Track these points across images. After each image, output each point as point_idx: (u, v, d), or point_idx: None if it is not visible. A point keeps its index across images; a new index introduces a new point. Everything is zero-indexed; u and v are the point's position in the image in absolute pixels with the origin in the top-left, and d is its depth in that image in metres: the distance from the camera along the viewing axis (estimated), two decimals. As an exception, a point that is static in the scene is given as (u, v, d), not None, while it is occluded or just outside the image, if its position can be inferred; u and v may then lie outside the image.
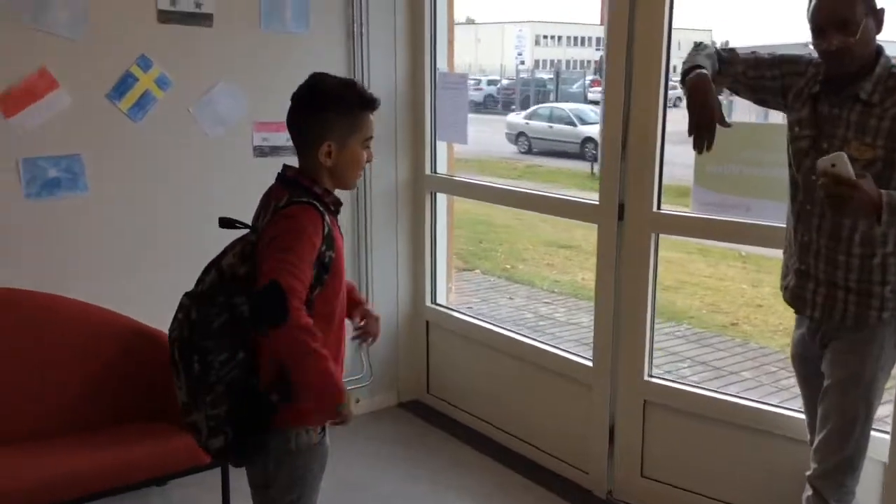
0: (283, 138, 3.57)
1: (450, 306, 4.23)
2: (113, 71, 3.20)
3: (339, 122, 1.96)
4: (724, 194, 2.91)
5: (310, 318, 1.83)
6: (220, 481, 2.94)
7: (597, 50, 23.11)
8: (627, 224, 3.09)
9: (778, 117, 2.54)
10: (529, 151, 14.60)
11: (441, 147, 4.13)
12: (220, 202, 3.43)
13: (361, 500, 3.26)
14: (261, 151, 3.60)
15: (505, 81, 26.60)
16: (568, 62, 25.58)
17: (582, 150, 13.29)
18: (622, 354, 3.17)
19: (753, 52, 2.42)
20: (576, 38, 26.77)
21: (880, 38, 2.15)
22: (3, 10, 2.94)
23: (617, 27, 3.02)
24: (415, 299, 4.19)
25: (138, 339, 3.06)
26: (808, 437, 2.46)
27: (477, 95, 25.99)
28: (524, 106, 23.69)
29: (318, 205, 1.93)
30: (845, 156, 1.93)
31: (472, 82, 26.29)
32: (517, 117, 16.02)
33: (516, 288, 7.89)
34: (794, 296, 2.36)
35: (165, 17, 3.30)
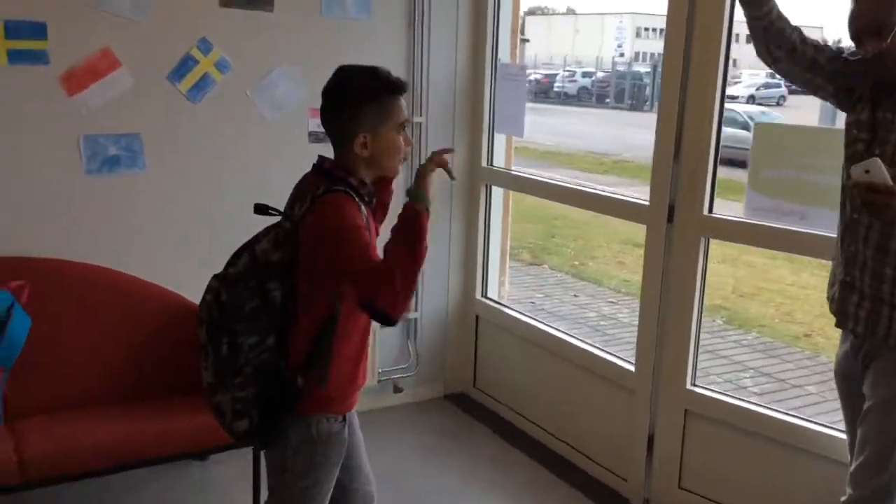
0: (339, 125, 3.66)
1: (500, 301, 4.19)
2: (174, 53, 3.28)
3: (369, 112, 1.96)
4: (778, 200, 2.78)
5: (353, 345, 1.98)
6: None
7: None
8: (677, 226, 3.00)
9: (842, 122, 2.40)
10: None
11: (500, 140, 4.09)
12: (274, 185, 3.46)
13: (389, 489, 3.25)
14: (316, 137, 3.62)
15: (600, 74, 26.18)
16: (670, 55, 25.06)
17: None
18: (665, 361, 3.08)
19: (837, 45, 2.29)
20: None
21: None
22: (69, -8, 3.05)
23: (675, 19, 2.92)
24: (465, 292, 4.17)
25: (185, 315, 3.11)
26: (849, 459, 2.34)
27: (571, 87, 25.75)
28: (618, 99, 23.27)
29: (353, 194, 1.95)
30: (879, 161, 1.83)
31: (566, 74, 26.13)
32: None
33: (583, 285, 7.77)
34: (837, 308, 2.23)
35: (227, 0, 3.36)
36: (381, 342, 3.86)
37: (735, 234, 2.94)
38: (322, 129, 3.50)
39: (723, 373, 5.28)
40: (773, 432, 2.80)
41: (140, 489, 3.13)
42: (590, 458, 3.47)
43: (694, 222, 2.95)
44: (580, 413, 3.52)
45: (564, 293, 7.45)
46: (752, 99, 17.44)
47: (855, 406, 2.26)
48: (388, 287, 1.81)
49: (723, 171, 2.93)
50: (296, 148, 3.57)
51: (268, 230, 2.00)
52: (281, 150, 3.54)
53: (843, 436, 2.54)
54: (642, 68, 25.37)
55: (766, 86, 17.49)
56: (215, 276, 1.99)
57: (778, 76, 2.38)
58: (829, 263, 2.31)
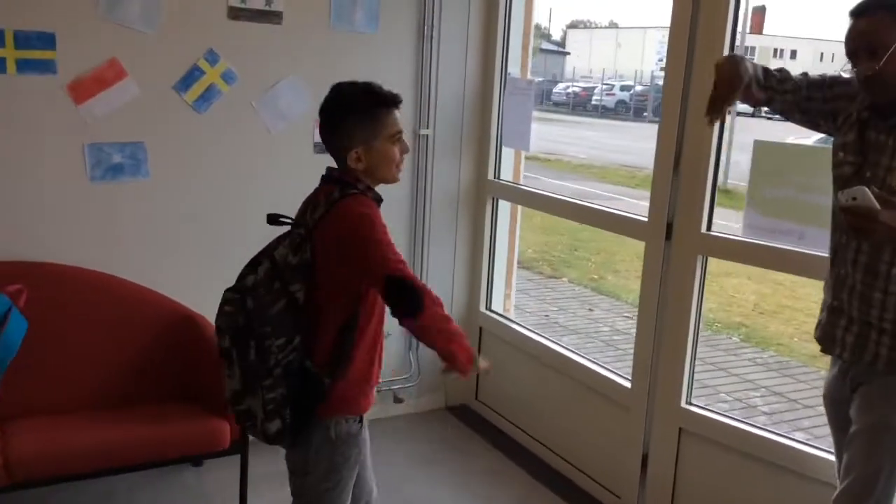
0: (344, 136, 3.68)
1: (505, 314, 4.18)
2: (181, 64, 3.33)
3: (361, 127, 2.04)
4: (777, 219, 2.75)
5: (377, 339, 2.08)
6: (257, 466, 3.01)
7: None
8: (675, 244, 2.97)
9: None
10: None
11: (508, 153, 4.09)
12: (278, 196, 3.51)
13: (380, 498, 3.26)
14: (321, 149, 3.54)
15: (639, 87, 26.04)
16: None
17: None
18: (660, 379, 3.05)
19: (805, 74, 2.28)
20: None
21: None
22: (78, 3, 3.11)
23: (677, 34, 2.91)
24: (470, 304, 4.17)
25: (183, 323, 3.18)
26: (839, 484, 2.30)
27: (609, 101, 25.66)
28: (656, 113, 23.14)
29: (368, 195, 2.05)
30: (866, 189, 1.80)
31: (605, 87, 25.95)
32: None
33: (600, 300, 7.72)
34: (823, 333, 2.20)
35: (235, 13, 3.41)
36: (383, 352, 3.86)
37: (732, 252, 2.91)
38: None
39: (733, 391, 5.21)
40: (765, 453, 2.76)
41: (133, 494, 3.16)
42: (586, 475, 3.44)
43: (692, 240, 2.92)
44: (578, 429, 3.50)
45: (580, 307, 7.41)
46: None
47: (843, 430, 2.22)
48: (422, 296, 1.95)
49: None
50: (300, 159, 3.60)
51: (281, 238, 2.06)
52: (285, 161, 3.58)
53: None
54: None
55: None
56: (231, 289, 2.02)
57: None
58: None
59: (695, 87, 2.85)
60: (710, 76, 2.63)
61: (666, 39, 3.00)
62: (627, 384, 3.21)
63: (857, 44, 1.97)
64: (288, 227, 2.10)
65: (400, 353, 4.04)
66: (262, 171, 3.55)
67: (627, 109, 25.07)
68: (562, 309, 7.26)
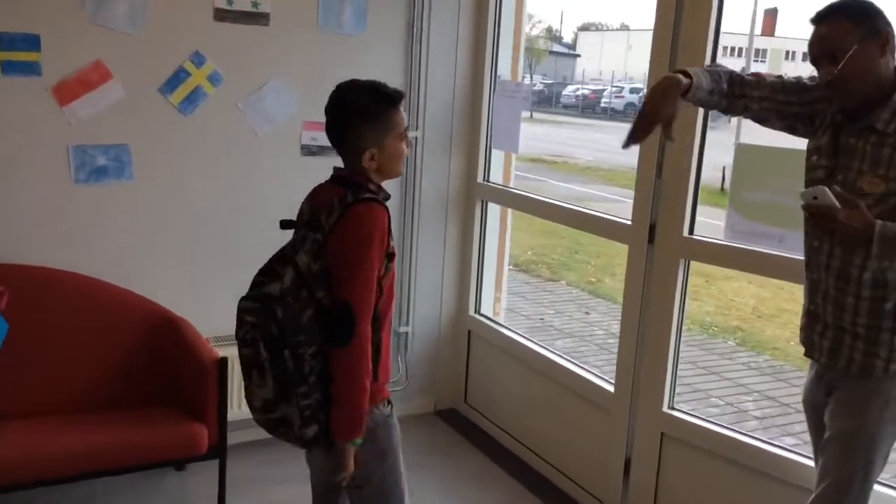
0: (332, 138, 3.67)
1: (494, 318, 4.17)
2: (166, 66, 3.33)
3: (373, 128, 2.04)
4: (758, 222, 2.74)
5: (370, 340, 2.00)
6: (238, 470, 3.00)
7: (757, 61, 22.12)
8: (657, 248, 2.96)
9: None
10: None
11: (498, 156, 4.09)
12: (265, 198, 3.55)
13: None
14: (308, 150, 3.65)
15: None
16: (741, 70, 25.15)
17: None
18: (643, 382, 3.03)
19: (780, 77, 2.26)
20: (735, 49, 25.93)
21: None
22: (63, 5, 3.11)
23: (661, 36, 2.90)
24: (459, 308, 4.16)
25: (166, 326, 3.18)
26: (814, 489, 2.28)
27: (618, 103, 25.59)
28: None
29: (380, 199, 2.05)
30: (826, 189, 1.82)
31: (614, 90, 25.90)
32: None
33: (597, 303, 7.71)
34: (805, 337, 2.19)
35: (222, 15, 3.41)
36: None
37: (714, 256, 2.89)
38: (315, 143, 3.67)
39: (725, 395, 5.19)
40: (747, 459, 2.74)
41: (114, 498, 3.16)
42: (571, 480, 3.43)
43: (674, 243, 2.91)
44: (563, 433, 3.49)
45: (577, 310, 7.40)
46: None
47: (821, 434, 2.21)
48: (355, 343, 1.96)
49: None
50: (287, 161, 3.61)
51: (295, 244, 2.03)
52: (272, 163, 3.58)
53: (817, 465, 2.48)
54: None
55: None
56: (249, 297, 1.99)
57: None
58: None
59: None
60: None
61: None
62: (611, 388, 3.19)
63: (819, 49, 1.98)
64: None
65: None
66: (249, 174, 3.54)
67: (636, 112, 24.95)
68: (558, 312, 7.25)
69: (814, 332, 2.15)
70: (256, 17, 3.49)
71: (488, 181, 4.06)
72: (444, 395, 4.20)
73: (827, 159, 2.08)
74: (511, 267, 8.80)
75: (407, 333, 4.05)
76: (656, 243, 2.96)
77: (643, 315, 3.02)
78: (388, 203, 2.09)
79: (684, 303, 2.97)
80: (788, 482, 2.63)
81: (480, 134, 4.02)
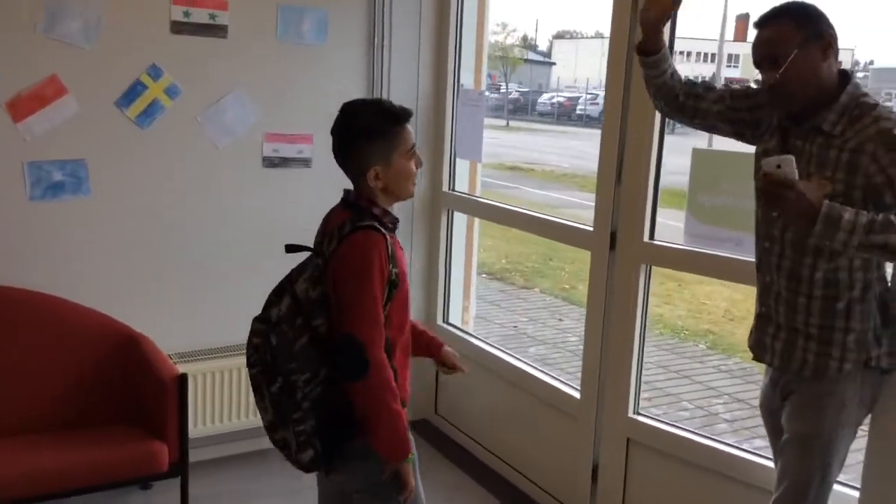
0: (295, 150, 3.65)
1: (462, 327, 4.15)
2: (122, 79, 3.30)
3: (377, 147, 2.02)
4: (716, 226, 2.75)
5: (390, 367, 1.97)
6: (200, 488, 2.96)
7: (730, 66, 22.38)
8: (619, 253, 2.96)
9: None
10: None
11: (463, 165, 4.08)
12: (226, 212, 3.52)
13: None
14: (270, 162, 3.62)
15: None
16: (695, 78, 25.34)
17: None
18: (608, 389, 3.03)
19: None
20: (707, 55, 26.15)
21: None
22: (16, 20, 3.07)
23: (617, 41, 2.91)
24: (427, 317, 4.14)
25: (126, 343, 3.14)
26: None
27: (593, 110, 25.73)
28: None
29: (378, 226, 1.99)
30: (793, 159, 1.81)
31: (589, 97, 26.09)
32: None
33: (570, 309, 7.72)
34: (755, 342, 2.20)
35: (178, 27, 3.38)
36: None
37: (674, 261, 2.90)
38: (276, 154, 3.64)
39: (696, 398, 5.20)
40: (712, 463, 2.74)
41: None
42: (541, 488, 3.41)
43: (635, 249, 2.91)
44: (533, 441, 3.47)
45: (550, 317, 7.40)
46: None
47: (779, 437, 2.22)
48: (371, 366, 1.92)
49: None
50: (248, 174, 3.57)
51: (302, 268, 2.00)
52: (232, 175, 3.54)
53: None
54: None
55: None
56: (259, 319, 1.97)
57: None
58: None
59: (634, 95, 2.84)
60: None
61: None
62: (577, 395, 3.18)
63: (761, 53, 1.98)
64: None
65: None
66: (208, 187, 3.51)
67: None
68: (531, 319, 7.25)
69: (766, 334, 2.16)
70: (214, 30, 3.46)
71: (454, 190, 4.05)
72: (415, 405, 4.15)
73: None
74: (485, 275, 8.80)
75: (375, 345, 4.02)
76: (618, 249, 2.96)
77: (607, 321, 3.02)
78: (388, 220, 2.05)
79: (647, 308, 2.97)
80: (752, 484, 2.63)
81: (445, 143, 4.01)
